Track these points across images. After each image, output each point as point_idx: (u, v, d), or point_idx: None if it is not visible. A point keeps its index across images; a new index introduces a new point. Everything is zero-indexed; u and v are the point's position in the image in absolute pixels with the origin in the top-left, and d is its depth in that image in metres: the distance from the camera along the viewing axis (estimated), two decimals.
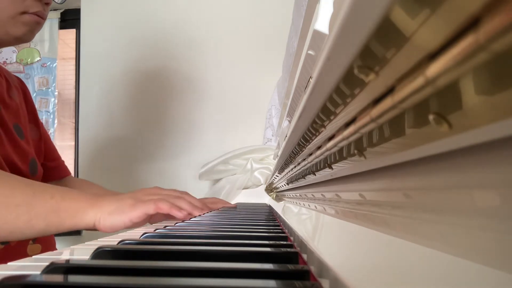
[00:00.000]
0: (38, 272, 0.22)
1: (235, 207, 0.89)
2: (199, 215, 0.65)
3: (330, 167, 0.31)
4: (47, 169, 0.88)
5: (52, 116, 1.91)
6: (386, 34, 0.12)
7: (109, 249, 0.28)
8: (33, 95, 1.89)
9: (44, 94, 1.91)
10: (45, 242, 0.78)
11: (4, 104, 0.74)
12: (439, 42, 0.10)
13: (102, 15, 1.80)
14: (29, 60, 1.91)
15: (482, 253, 0.11)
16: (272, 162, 1.36)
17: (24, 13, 0.70)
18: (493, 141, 0.10)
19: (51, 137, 1.01)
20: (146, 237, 0.37)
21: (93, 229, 0.58)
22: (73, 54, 1.91)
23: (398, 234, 0.18)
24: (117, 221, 0.57)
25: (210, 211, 0.76)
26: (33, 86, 1.91)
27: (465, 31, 0.09)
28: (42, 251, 0.75)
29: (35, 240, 0.75)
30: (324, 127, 0.26)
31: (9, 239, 0.61)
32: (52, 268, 0.22)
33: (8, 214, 0.52)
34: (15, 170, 0.69)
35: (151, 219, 0.65)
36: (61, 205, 0.55)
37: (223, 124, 1.69)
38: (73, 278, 0.21)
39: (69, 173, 0.94)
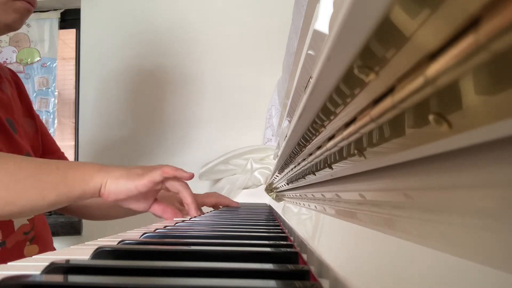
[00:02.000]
0: (38, 272, 0.22)
1: (238, 206, 0.90)
2: (199, 215, 0.65)
3: (330, 167, 0.31)
4: None
5: (52, 116, 1.91)
6: (386, 34, 0.12)
7: (109, 249, 0.28)
8: (33, 95, 1.88)
9: (44, 94, 1.91)
10: (43, 243, 0.78)
11: None
12: (439, 42, 0.10)
13: (102, 15, 1.80)
14: (29, 60, 1.91)
15: (482, 253, 0.11)
16: (272, 162, 1.36)
17: None
18: (493, 141, 0.10)
19: None
20: (146, 237, 0.37)
21: (99, 196, 0.59)
22: (73, 54, 1.91)
23: (398, 234, 0.18)
24: (123, 186, 0.58)
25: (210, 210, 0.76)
26: (33, 86, 1.90)
27: (465, 31, 0.09)
28: (40, 252, 0.75)
29: (32, 241, 0.75)
30: (324, 127, 0.26)
31: (23, 215, 0.62)
32: (52, 268, 0.22)
33: (18, 186, 0.53)
34: None
35: (152, 206, 0.67)
36: (68, 174, 0.56)
37: (223, 124, 1.69)
38: (73, 278, 0.21)
39: None
